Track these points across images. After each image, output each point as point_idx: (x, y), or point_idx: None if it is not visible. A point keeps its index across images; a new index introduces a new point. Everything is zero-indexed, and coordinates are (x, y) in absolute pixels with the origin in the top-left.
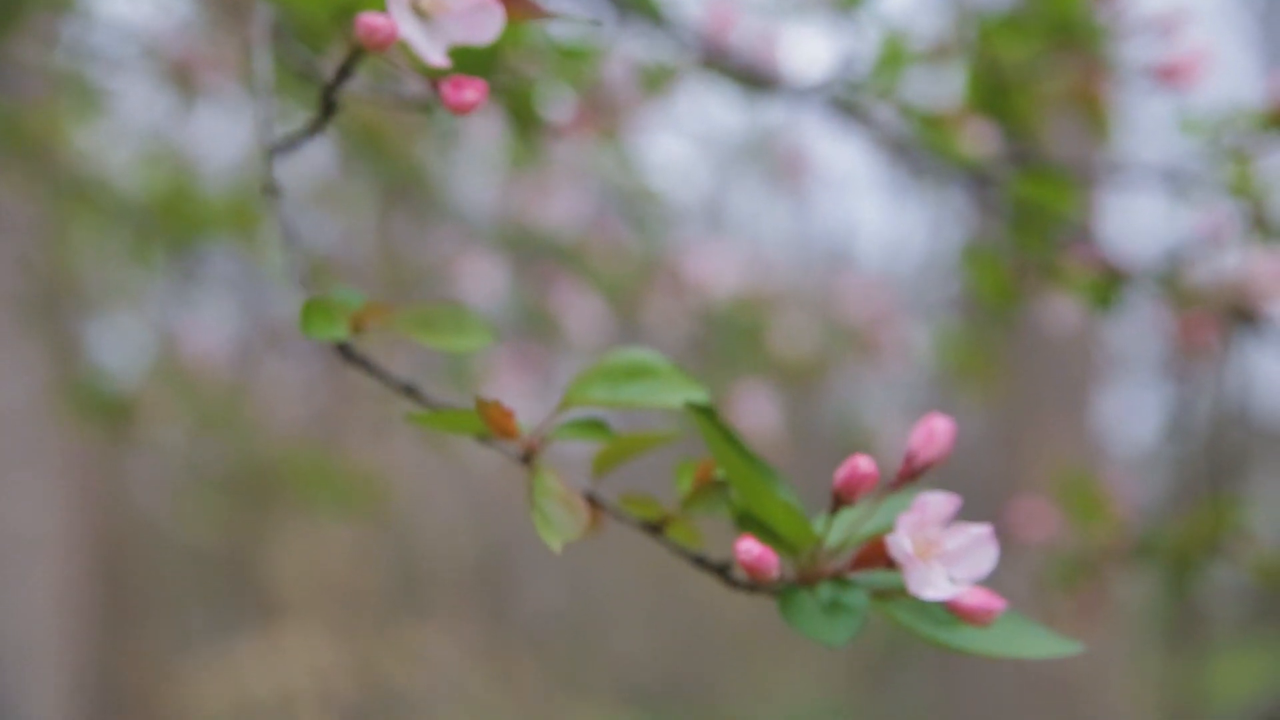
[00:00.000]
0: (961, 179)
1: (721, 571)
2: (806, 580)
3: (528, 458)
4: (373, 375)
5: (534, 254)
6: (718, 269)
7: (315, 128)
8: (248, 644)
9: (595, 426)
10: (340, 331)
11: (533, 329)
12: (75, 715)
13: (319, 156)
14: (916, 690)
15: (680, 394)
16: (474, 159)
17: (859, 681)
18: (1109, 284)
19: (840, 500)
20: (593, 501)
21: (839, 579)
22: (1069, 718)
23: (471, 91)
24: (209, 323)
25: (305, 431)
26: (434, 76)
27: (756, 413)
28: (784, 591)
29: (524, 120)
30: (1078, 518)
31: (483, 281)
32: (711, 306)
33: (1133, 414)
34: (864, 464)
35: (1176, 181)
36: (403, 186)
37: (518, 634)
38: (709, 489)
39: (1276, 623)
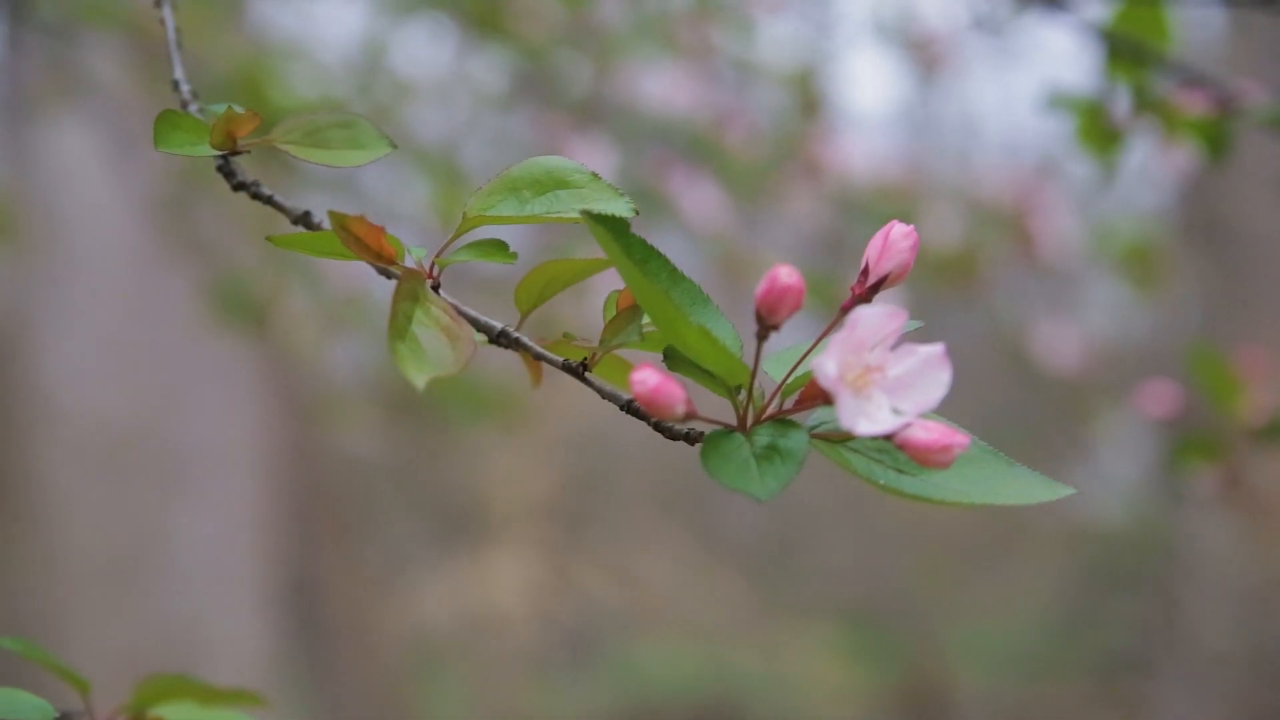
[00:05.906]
0: (1039, 6)
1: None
2: (744, 424)
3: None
4: (261, 200)
5: (654, 140)
6: (857, 157)
7: None
8: (456, 563)
9: (496, 247)
10: (200, 146)
11: (646, 214)
12: (273, 635)
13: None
14: (1135, 606)
15: (598, 206)
16: (595, 43)
17: (1074, 599)
18: (1219, 124)
19: (765, 322)
20: (507, 343)
21: (780, 421)
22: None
23: None
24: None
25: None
26: None
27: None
28: (710, 436)
29: None
30: (1212, 397)
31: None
32: (850, 195)
33: None
34: (785, 274)
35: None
36: (526, 71)
37: (723, 553)
38: (626, 316)
39: None
